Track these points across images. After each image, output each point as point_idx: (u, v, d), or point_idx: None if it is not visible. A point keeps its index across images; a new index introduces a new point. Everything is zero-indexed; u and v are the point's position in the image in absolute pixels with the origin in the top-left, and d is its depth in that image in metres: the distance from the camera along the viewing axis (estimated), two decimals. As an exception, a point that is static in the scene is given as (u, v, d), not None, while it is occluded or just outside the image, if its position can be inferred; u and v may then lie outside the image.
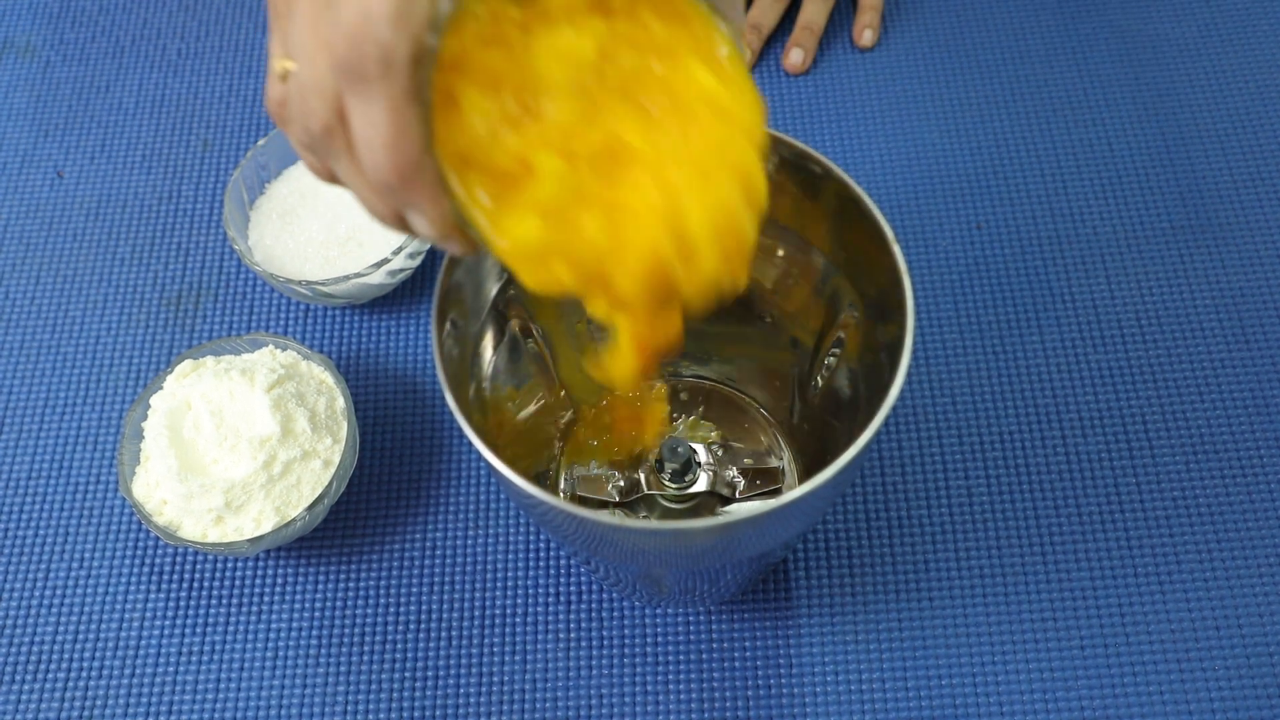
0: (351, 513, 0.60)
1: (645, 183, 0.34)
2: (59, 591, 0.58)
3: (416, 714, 0.55)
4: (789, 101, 0.71)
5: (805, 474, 0.57)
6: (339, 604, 0.57)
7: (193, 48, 0.76)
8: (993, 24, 0.74)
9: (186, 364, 0.58)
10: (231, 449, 0.55)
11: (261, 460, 0.54)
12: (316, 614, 0.57)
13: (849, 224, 0.47)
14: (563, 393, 0.59)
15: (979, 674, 0.55)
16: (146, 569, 0.59)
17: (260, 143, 0.64)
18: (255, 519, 0.55)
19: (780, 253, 0.53)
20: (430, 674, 0.56)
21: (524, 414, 0.56)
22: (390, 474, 0.61)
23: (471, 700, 0.55)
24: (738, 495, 0.56)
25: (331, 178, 0.37)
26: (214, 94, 0.74)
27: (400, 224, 0.36)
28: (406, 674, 0.56)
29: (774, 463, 0.58)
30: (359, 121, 0.33)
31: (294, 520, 0.54)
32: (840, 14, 0.75)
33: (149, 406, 0.58)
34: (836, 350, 0.53)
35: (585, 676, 0.55)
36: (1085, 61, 0.72)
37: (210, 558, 0.59)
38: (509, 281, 0.50)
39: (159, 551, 0.59)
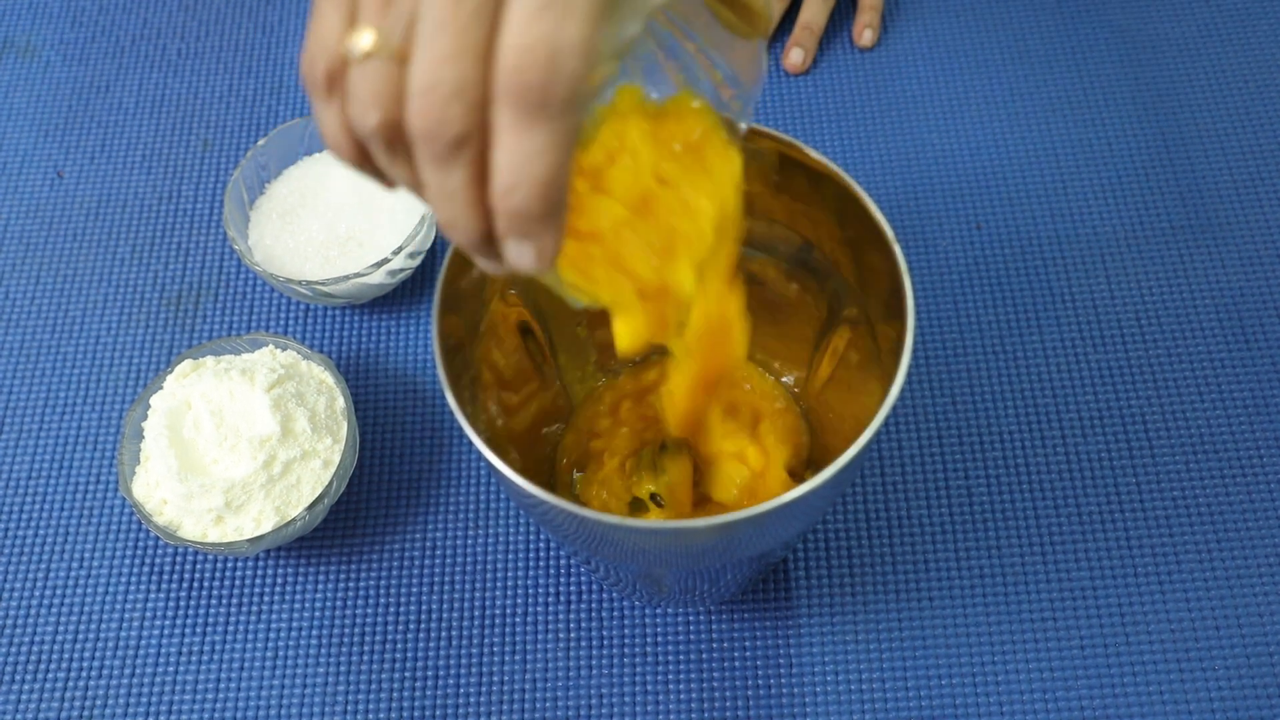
0: (351, 513, 0.60)
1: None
2: (59, 591, 0.58)
3: (416, 714, 0.55)
4: (789, 101, 0.71)
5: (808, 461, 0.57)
6: (339, 604, 0.57)
7: (193, 48, 0.76)
8: (993, 24, 0.74)
9: (186, 364, 0.58)
10: (231, 449, 0.55)
11: (261, 460, 0.55)
12: (316, 614, 0.57)
13: (849, 224, 0.47)
14: (558, 384, 0.59)
15: (979, 674, 0.55)
16: (146, 569, 0.59)
17: (260, 143, 0.64)
18: (255, 519, 0.55)
19: (780, 252, 0.53)
20: (430, 674, 0.56)
21: (524, 413, 0.56)
22: (390, 474, 0.61)
23: (471, 700, 0.55)
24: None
25: (369, 164, 0.34)
26: (214, 94, 0.74)
27: (486, 246, 0.34)
28: (406, 674, 0.56)
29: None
30: (518, 148, 0.30)
31: (294, 520, 0.54)
32: (840, 14, 0.75)
33: (149, 406, 0.58)
34: (836, 349, 0.53)
35: (585, 676, 0.55)
36: (1085, 61, 0.72)
37: (210, 558, 0.59)
38: (510, 280, 0.50)
39: (159, 551, 0.59)
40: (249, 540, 0.54)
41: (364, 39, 0.31)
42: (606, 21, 0.30)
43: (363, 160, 0.34)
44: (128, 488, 0.56)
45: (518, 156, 0.30)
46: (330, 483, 0.56)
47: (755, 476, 0.55)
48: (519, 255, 0.33)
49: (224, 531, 0.55)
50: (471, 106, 0.30)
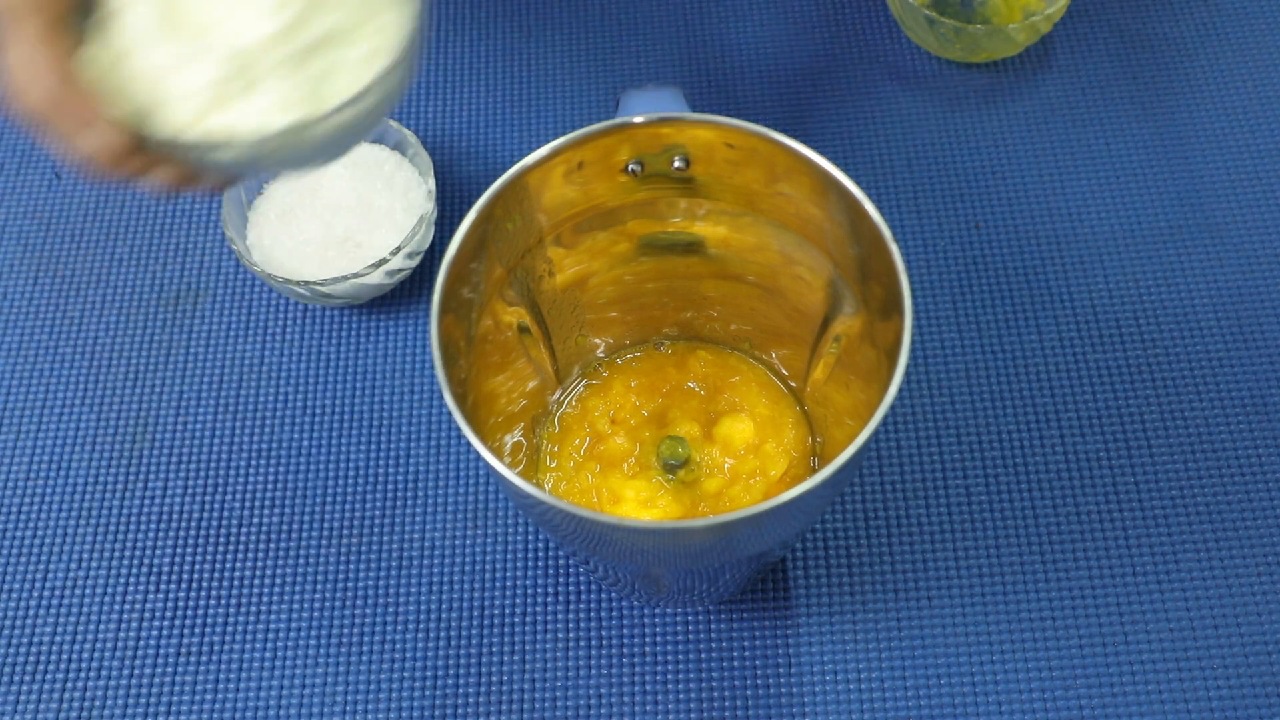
0: (351, 512, 0.60)
1: None
2: (59, 591, 0.58)
3: (416, 714, 0.55)
4: (788, 102, 0.71)
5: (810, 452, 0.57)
6: (339, 604, 0.57)
7: (192, 48, 0.76)
8: (992, 24, 0.74)
9: None
10: None
11: (285, 19, 0.38)
12: (316, 614, 0.57)
13: (847, 223, 0.47)
14: (557, 384, 0.59)
15: (979, 674, 0.55)
16: (146, 569, 0.59)
17: (259, 143, 0.64)
18: (275, 104, 0.38)
19: (779, 252, 0.53)
20: (430, 674, 0.56)
21: (523, 414, 0.56)
22: (390, 474, 0.61)
23: (471, 700, 0.55)
24: None
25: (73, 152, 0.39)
26: (213, 94, 0.74)
27: (91, 162, 0.39)
28: (406, 674, 0.56)
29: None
30: (11, 67, 0.37)
31: (330, 114, 0.38)
32: (837, 13, 0.75)
33: None
34: (835, 349, 0.53)
35: (584, 676, 0.55)
36: (1085, 62, 0.72)
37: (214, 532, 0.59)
38: (508, 280, 0.50)
39: (158, 551, 0.59)
40: (260, 138, 0.38)
41: None
42: None
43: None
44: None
45: (13, 75, 0.37)
46: (374, 80, 0.39)
47: (758, 442, 0.56)
48: (85, 148, 0.38)
49: (229, 116, 0.38)
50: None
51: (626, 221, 0.52)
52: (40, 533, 0.60)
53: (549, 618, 0.57)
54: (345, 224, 0.63)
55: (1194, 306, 0.64)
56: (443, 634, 0.56)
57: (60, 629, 0.57)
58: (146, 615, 0.58)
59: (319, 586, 0.58)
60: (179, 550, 0.59)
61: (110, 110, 0.38)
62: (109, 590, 0.58)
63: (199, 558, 0.59)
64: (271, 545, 0.59)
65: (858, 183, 0.46)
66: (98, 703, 0.56)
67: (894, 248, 0.44)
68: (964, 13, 0.73)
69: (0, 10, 0.36)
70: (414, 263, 0.63)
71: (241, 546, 0.59)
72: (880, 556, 0.58)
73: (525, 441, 0.57)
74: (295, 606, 0.57)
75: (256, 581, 0.58)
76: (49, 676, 0.56)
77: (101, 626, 0.57)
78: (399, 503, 0.60)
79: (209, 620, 0.57)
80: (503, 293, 0.50)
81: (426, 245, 0.64)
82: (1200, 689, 0.54)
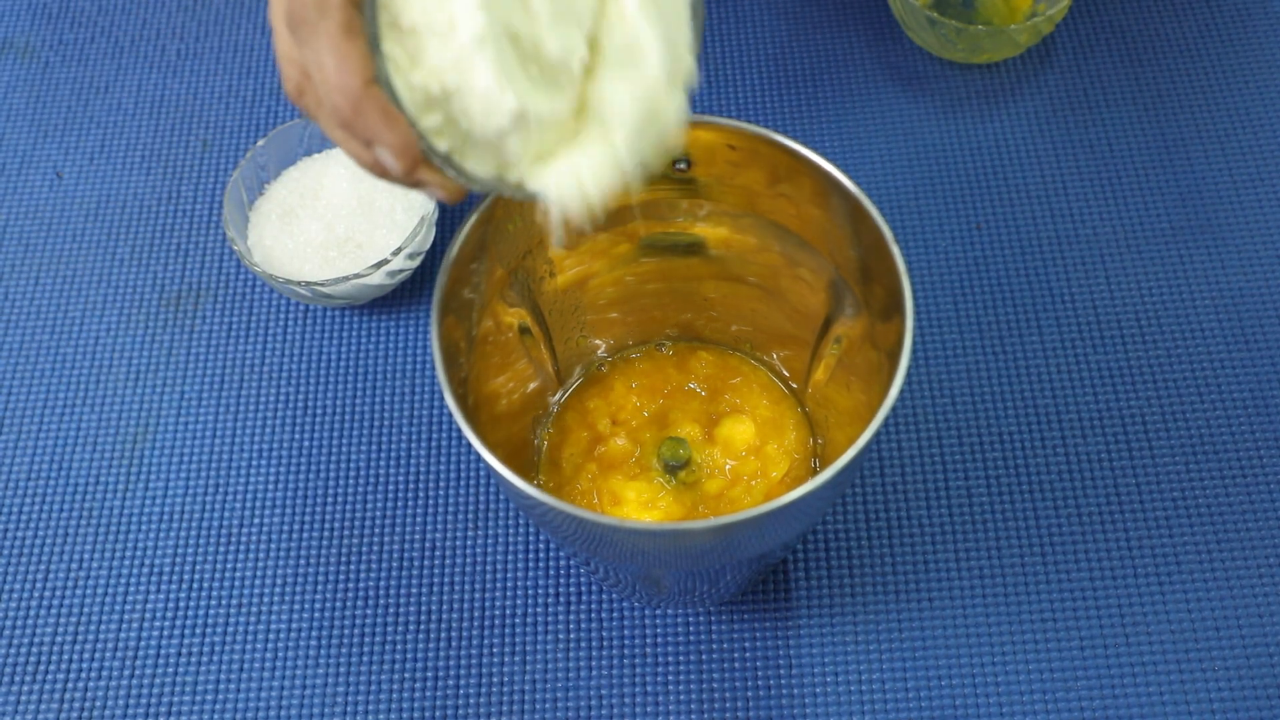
0: (352, 513, 0.60)
1: None
2: (59, 591, 0.58)
3: (416, 714, 0.55)
4: (789, 101, 0.71)
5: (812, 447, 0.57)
6: (339, 604, 0.57)
7: (192, 48, 0.76)
8: (993, 24, 0.74)
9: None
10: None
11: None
12: (316, 614, 0.57)
13: (848, 224, 0.47)
14: (557, 385, 0.59)
15: (979, 674, 0.55)
16: (146, 569, 0.59)
17: (260, 143, 0.64)
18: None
19: (780, 253, 0.53)
20: (430, 674, 0.56)
21: (523, 414, 0.56)
22: (390, 474, 0.61)
23: (471, 700, 0.55)
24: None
25: (367, 159, 0.38)
26: (214, 94, 0.74)
27: (380, 168, 0.38)
28: (406, 674, 0.56)
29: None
30: (311, 67, 0.35)
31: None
32: (838, 14, 0.75)
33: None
34: (836, 350, 0.53)
35: (585, 677, 0.55)
36: (1085, 61, 0.72)
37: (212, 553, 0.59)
38: (509, 281, 0.50)
39: (159, 551, 0.59)
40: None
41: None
42: None
43: (353, 149, 0.39)
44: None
45: (315, 75, 0.36)
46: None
47: (759, 443, 0.57)
48: (385, 161, 0.37)
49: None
50: (293, 61, 0.37)
51: (627, 222, 0.52)
52: (41, 533, 0.60)
53: (549, 618, 0.57)
54: (346, 225, 0.63)
55: (1195, 307, 0.64)
56: (443, 635, 0.56)
57: (61, 629, 0.57)
58: (147, 616, 0.58)
59: (320, 587, 0.58)
60: (179, 551, 0.59)
61: (403, 122, 0.36)
62: (110, 591, 0.58)
63: (199, 558, 0.59)
64: (272, 546, 0.59)
65: (859, 184, 0.46)
66: (98, 703, 0.56)
67: (895, 249, 0.44)
68: (965, 13, 0.73)
69: (294, 8, 0.35)
70: (415, 263, 0.63)
71: (242, 547, 0.59)
72: (881, 558, 0.57)
73: (526, 442, 0.57)
74: (296, 607, 0.57)
75: (257, 582, 0.58)
76: (49, 677, 0.56)
77: (102, 627, 0.57)
78: (400, 503, 0.60)
79: (209, 621, 0.57)
80: (503, 294, 0.50)
81: (427, 246, 0.64)
82: (1201, 690, 0.54)
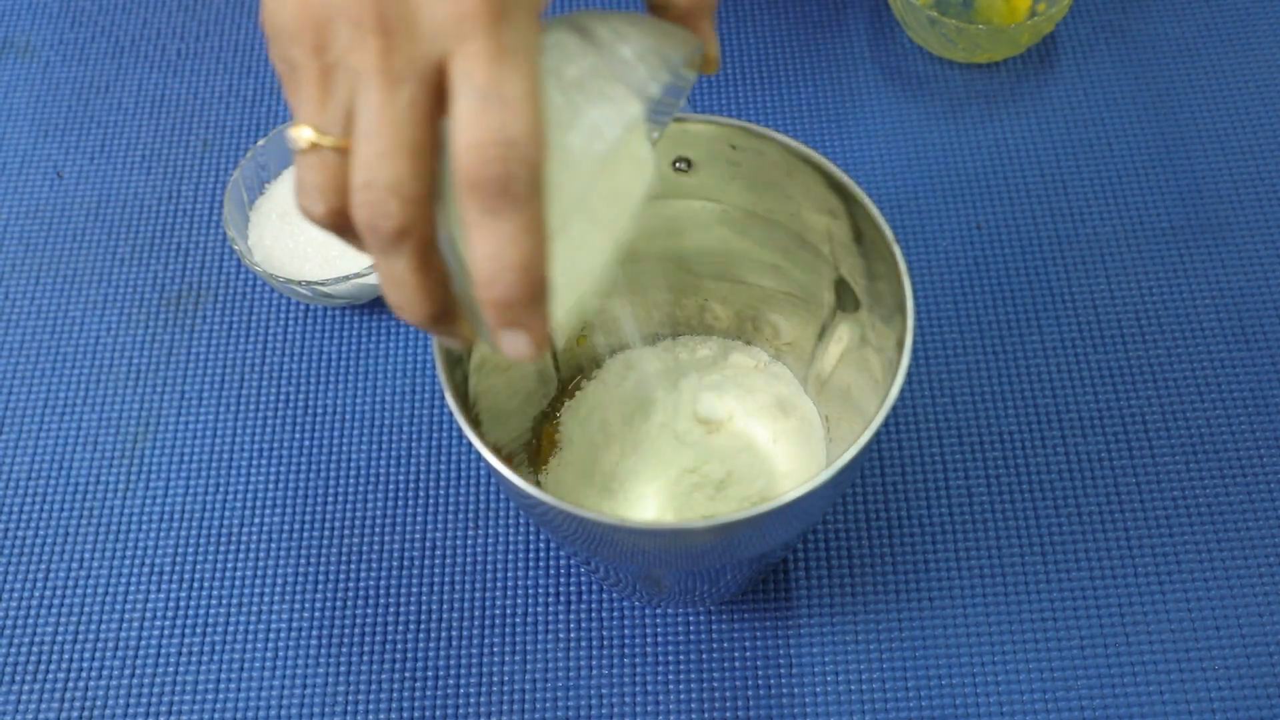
0: (353, 513, 0.60)
1: None
2: (59, 591, 0.58)
3: (416, 714, 0.55)
4: (789, 101, 0.71)
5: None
6: (339, 604, 0.57)
7: (193, 48, 0.76)
8: (993, 24, 0.74)
9: None
10: None
11: None
12: (316, 614, 0.57)
13: (849, 224, 0.47)
14: (557, 385, 0.59)
15: (979, 674, 0.55)
16: (146, 569, 0.59)
17: (260, 143, 0.65)
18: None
19: (780, 252, 0.53)
20: (430, 674, 0.56)
21: (524, 414, 0.56)
22: (390, 474, 0.61)
23: (471, 700, 0.55)
24: None
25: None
26: (214, 94, 0.74)
27: (436, 326, 0.34)
28: (406, 674, 0.56)
29: None
30: (490, 241, 0.31)
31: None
32: (838, 13, 0.75)
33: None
34: (836, 350, 0.53)
35: (585, 676, 0.55)
36: (1085, 61, 0.72)
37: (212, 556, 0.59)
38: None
39: (159, 551, 0.59)
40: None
41: (304, 131, 0.32)
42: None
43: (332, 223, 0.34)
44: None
45: (491, 248, 0.31)
46: None
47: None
48: (514, 345, 0.33)
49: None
50: (409, 201, 0.31)
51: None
52: (41, 533, 0.60)
53: (550, 618, 0.57)
54: (346, 224, 0.63)
55: (1195, 307, 0.64)
56: (444, 634, 0.56)
57: (61, 629, 0.57)
58: (147, 615, 0.58)
59: (320, 587, 0.58)
60: (180, 550, 0.59)
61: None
62: (110, 590, 0.58)
63: (200, 558, 0.59)
64: (272, 545, 0.59)
65: (859, 183, 0.46)
66: (99, 703, 0.56)
67: (896, 248, 0.44)
68: (965, 13, 0.73)
69: (510, 180, 0.30)
70: (415, 263, 0.63)
71: (242, 546, 0.59)
72: (881, 557, 0.57)
73: (527, 441, 0.57)
74: (296, 606, 0.57)
75: (257, 581, 0.58)
76: (50, 677, 0.56)
77: (103, 627, 0.57)
78: (400, 503, 0.60)
79: (210, 620, 0.57)
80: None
81: (427, 245, 0.64)
82: (1201, 689, 0.54)
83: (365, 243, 0.32)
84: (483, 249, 0.31)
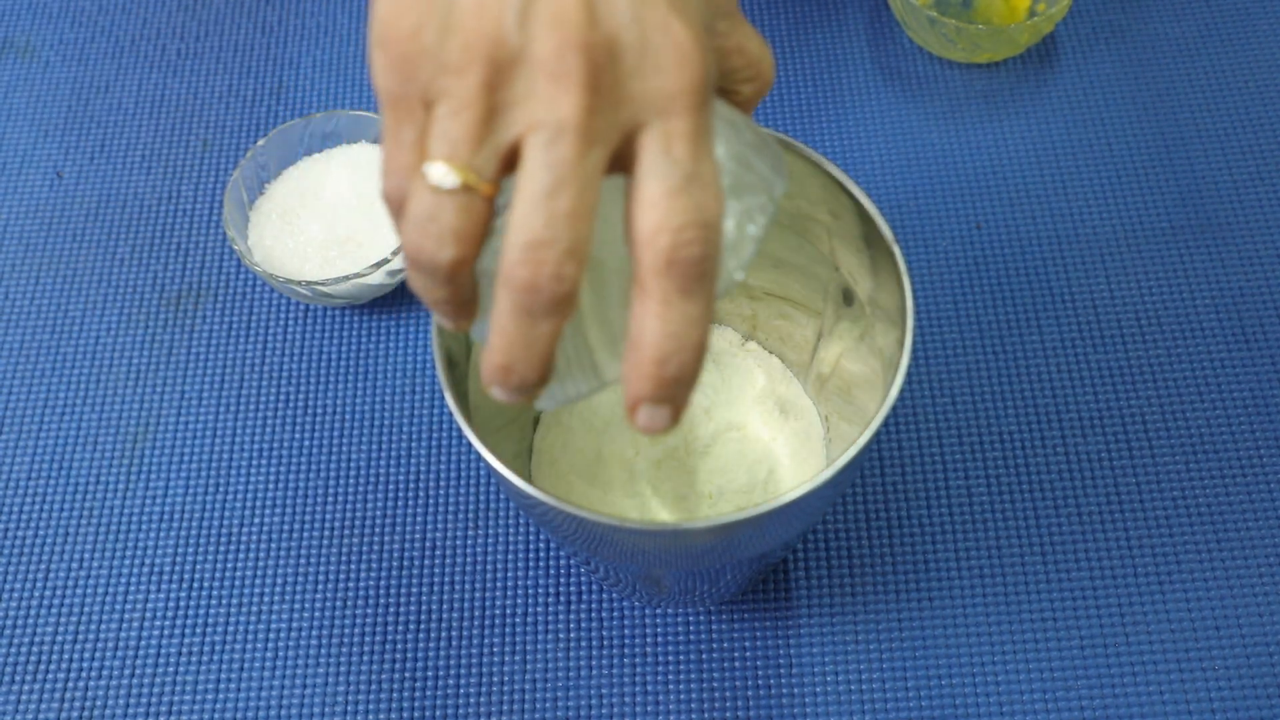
0: (352, 513, 0.60)
1: None
2: (59, 591, 0.58)
3: (416, 714, 0.55)
4: (789, 101, 0.71)
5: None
6: (339, 604, 0.57)
7: (193, 48, 0.76)
8: (993, 24, 0.74)
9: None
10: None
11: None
12: (316, 614, 0.57)
13: (848, 224, 0.47)
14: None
15: (979, 674, 0.55)
16: (146, 569, 0.59)
17: (260, 143, 0.64)
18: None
19: (779, 252, 0.53)
20: (430, 674, 0.56)
21: (523, 414, 0.56)
22: (390, 474, 0.61)
23: (471, 700, 0.55)
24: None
25: (445, 307, 0.33)
26: (214, 94, 0.74)
27: (535, 390, 0.33)
28: (406, 674, 0.56)
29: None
30: (679, 320, 0.30)
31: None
32: (837, 13, 0.75)
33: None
34: (836, 350, 0.53)
35: (585, 676, 0.55)
36: (1085, 61, 0.72)
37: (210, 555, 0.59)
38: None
39: (159, 551, 0.59)
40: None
41: (447, 174, 0.30)
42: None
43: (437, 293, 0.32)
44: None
45: (675, 328, 0.30)
46: None
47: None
48: (654, 418, 0.32)
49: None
50: (581, 266, 0.30)
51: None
52: (41, 533, 0.60)
53: (550, 618, 0.57)
54: (347, 224, 0.63)
55: (1195, 307, 0.64)
56: (443, 634, 0.56)
57: (61, 629, 0.57)
58: (147, 615, 0.58)
59: (320, 587, 0.58)
60: (180, 550, 0.59)
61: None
62: (110, 590, 0.58)
63: (200, 558, 0.59)
64: (272, 545, 0.59)
65: (859, 183, 0.46)
66: (98, 703, 0.56)
67: (896, 248, 0.44)
68: (965, 13, 0.73)
69: (703, 261, 0.30)
70: (415, 263, 0.63)
71: (242, 547, 0.59)
72: (881, 557, 0.57)
73: (527, 441, 0.57)
74: (296, 606, 0.57)
75: (257, 581, 0.58)
76: (50, 677, 0.56)
77: (102, 627, 0.57)
78: (400, 503, 0.60)
79: (210, 620, 0.57)
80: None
81: (427, 245, 0.64)
82: (1201, 689, 0.54)
83: (510, 301, 0.30)
84: (665, 328, 0.30)
